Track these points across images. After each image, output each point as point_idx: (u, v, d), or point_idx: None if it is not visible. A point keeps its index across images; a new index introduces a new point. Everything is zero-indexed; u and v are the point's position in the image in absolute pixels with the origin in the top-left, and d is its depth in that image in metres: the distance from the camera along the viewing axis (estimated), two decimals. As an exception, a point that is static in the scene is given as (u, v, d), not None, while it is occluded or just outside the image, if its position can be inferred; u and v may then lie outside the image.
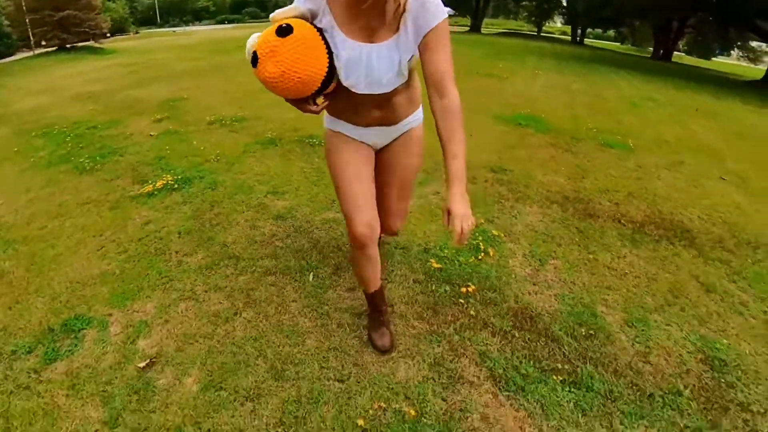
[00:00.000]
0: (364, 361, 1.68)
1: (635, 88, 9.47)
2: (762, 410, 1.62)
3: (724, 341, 1.94)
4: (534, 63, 11.81)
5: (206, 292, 2.08)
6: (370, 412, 1.49)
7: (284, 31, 1.14)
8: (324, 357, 1.70)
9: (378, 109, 1.42)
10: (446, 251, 2.38)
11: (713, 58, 33.46)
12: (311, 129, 4.53)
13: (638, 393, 1.64)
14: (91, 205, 3.13)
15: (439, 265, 2.24)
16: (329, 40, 1.24)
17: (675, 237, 2.86)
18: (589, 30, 31.91)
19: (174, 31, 28.38)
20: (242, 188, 3.17)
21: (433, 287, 2.08)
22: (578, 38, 30.40)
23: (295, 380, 1.61)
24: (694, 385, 1.70)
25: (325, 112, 1.49)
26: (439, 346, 1.77)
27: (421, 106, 1.57)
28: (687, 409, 1.59)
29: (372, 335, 1.75)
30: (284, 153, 3.95)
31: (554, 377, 1.67)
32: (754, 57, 26.83)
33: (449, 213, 1.17)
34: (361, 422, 1.44)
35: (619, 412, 1.55)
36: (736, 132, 6.55)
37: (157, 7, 41.18)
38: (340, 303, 1.98)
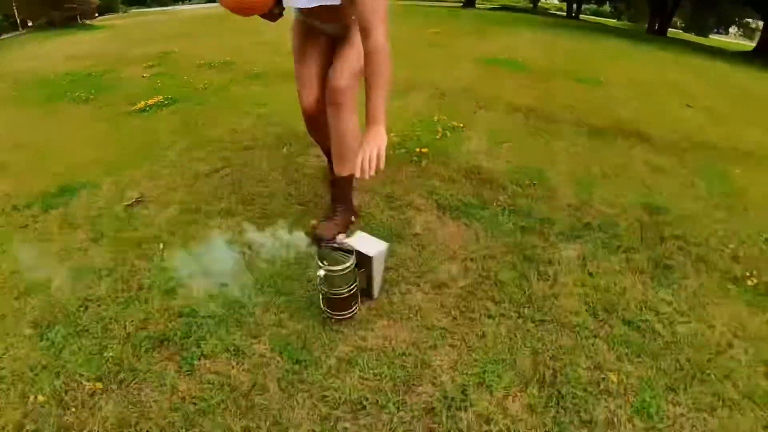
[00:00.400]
0: (324, 191, 1.92)
1: (619, 48, 9.59)
2: (697, 242, 1.84)
3: (664, 197, 2.17)
4: (523, 28, 11.88)
5: (190, 161, 2.32)
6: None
7: None
8: (288, 192, 1.94)
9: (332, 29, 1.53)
10: (406, 133, 2.61)
11: (710, 36, 33.29)
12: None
13: (576, 222, 1.87)
14: (87, 120, 3.34)
15: (398, 139, 2.48)
16: None
17: (632, 137, 3.08)
18: (585, 6, 31.62)
19: (169, 9, 28.14)
20: (227, 102, 3.40)
21: (390, 151, 2.32)
22: (574, 13, 30.21)
23: (261, 206, 1.85)
24: (632, 222, 1.93)
25: None
26: (391, 186, 2.01)
27: None
28: (623, 235, 1.82)
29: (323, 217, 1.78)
30: (268, 83, 4.15)
31: (495, 206, 1.91)
32: (750, 33, 26.77)
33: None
34: (315, 222, 1.68)
35: (554, 233, 1.79)
36: (713, 80, 6.74)
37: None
38: (307, 164, 2.22)
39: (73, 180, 2.23)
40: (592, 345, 1.26)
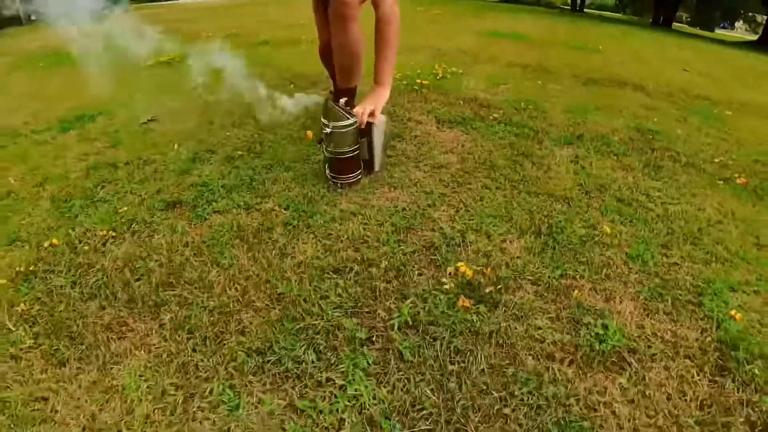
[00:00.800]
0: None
1: (621, 31, 9.63)
2: (687, 153, 1.90)
3: (656, 120, 2.23)
4: (525, 14, 11.93)
5: (203, 95, 2.39)
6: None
7: None
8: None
9: None
10: (408, 73, 2.67)
11: (717, 30, 33.21)
12: (298, 36, 4.81)
13: (569, 134, 1.93)
14: (100, 75, 3.42)
15: (399, 75, 2.54)
16: None
17: (626, 86, 3.14)
18: (590, 1, 31.52)
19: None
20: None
21: (393, 84, 2.38)
22: (578, 7, 30.19)
23: (269, 150, 1.91)
24: (623, 137, 1.99)
25: None
26: (391, 107, 2.07)
27: None
28: (614, 143, 1.89)
29: None
30: (274, 48, 4.23)
31: (492, 119, 1.97)
32: (756, 28, 26.72)
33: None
34: (310, 134, 1.74)
35: (549, 140, 1.85)
36: (712, 57, 6.78)
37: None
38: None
39: (90, 110, 2.31)
40: (586, 212, 1.32)
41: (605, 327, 0.93)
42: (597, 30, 8.55)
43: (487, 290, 0.99)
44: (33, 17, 16.84)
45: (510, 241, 1.16)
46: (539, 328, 0.92)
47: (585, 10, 31.07)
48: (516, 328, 0.92)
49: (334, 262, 1.04)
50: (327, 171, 1.35)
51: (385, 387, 0.79)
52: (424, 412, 0.75)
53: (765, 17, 23.59)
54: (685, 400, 0.81)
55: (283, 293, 0.96)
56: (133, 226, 1.21)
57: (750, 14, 24.92)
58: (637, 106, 2.63)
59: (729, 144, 2.20)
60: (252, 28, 6.01)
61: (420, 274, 1.04)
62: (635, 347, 0.90)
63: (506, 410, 0.76)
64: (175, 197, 1.32)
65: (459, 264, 1.02)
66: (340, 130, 1.24)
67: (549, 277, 1.06)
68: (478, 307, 0.96)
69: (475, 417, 0.75)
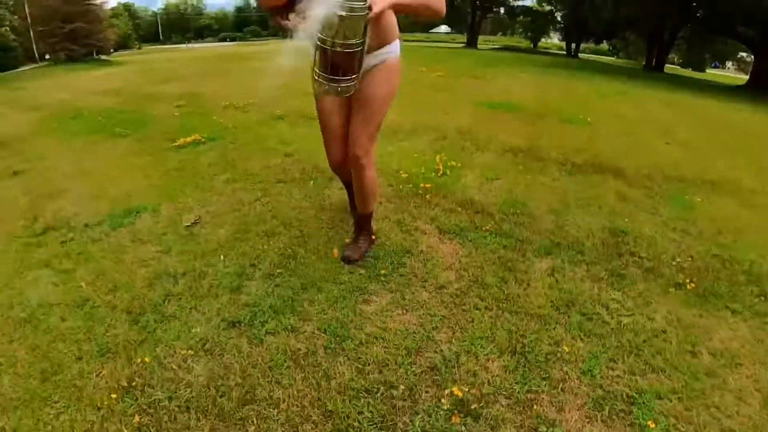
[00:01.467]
0: (347, 217, 2.43)
1: (611, 86, 10.33)
2: (649, 257, 2.32)
3: (628, 222, 2.67)
4: (521, 69, 12.72)
5: (233, 191, 2.85)
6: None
7: None
8: (318, 217, 2.45)
9: None
10: (413, 170, 3.14)
11: (708, 70, 34.67)
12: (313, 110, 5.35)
13: (549, 242, 2.36)
14: (130, 155, 3.90)
15: (406, 175, 3.01)
16: None
17: (607, 172, 3.61)
18: (584, 45, 33.10)
19: (186, 47, 29.64)
20: (257, 140, 3.97)
21: (400, 187, 2.85)
22: (573, 52, 31.60)
23: (297, 228, 2.35)
24: (596, 242, 2.41)
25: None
26: (401, 214, 2.52)
27: (397, 40, 1.83)
28: (587, 252, 2.31)
29: (349, 241, 2.22)
30: (290, 124, 4.74)
31: (484, 230, 2.41)
32: (745, 67, 28.01)
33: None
34: (336, 252, 2.16)
35: (531, 249, 2.28)
36: (696, 117, 7.36)
37: (159, 24, 43.01)
38: (332, 195, 2.75)
39: (134, 204, 2.75)
40: (554, 329, 1.73)
41: (556, 435, 1.32)
42: (589, 89, 9.21)
43: (473, 406, 1.38)
44: (47, 56, 17.44)
45: (492, 360, 1.56)
46: (508, 437, 1.31)
47: (580, 55, 32.48)
48: (492, 438, 1.31)
49: (366, 384, 1.43)
50: (319, 71, 1.48)
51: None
52: None
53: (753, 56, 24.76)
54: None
55: (331, 410, 1.35)
56: (206, 345, 1.61)
57: (739, 55, 26.26)
58: (615, 198, 3.08)
59: (691, 238, 2.61)
60: (267, 97, 6.53)
61: (426, 392, 1.43)
62: (580, 455, 1.29)
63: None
64: (233, 317, 1.73)
65: (453, 388, 1.42)
66: (356, 13, 1.31)
67: (518, 392, 1.45)
68: (465, 420, 1.35)
69: None
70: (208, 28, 47.66)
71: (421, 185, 2.86)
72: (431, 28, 44.41)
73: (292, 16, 1.54)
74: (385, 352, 1.57)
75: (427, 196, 2.75)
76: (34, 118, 6.06)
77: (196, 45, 33.28)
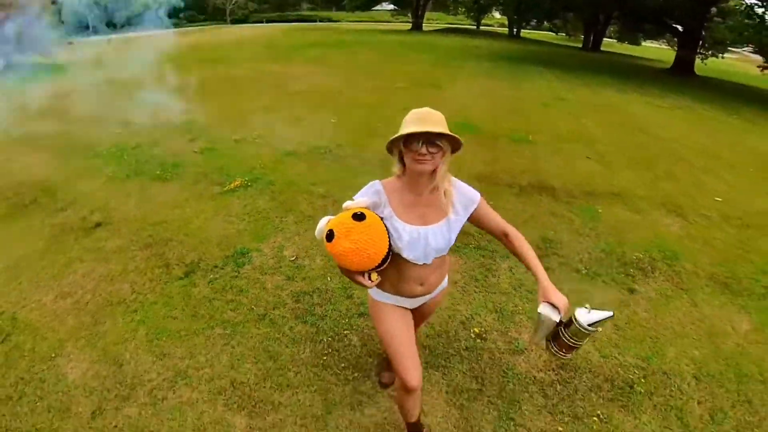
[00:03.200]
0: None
1: (551, 90, 12.62)
2: (563, 255, 4.32)
3: (553, 233, 4.65)
4: (473, 70, 14.79)
5: (305, 231, 4.56)
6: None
7: (359, 217, 1.64)
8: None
9: (421, 284, 1.91)
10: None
11: (643, 43, 38.70)
12: (319, 142, 7.03)
13: (506, 251, 4.29)
14: (192, 200, 5.43)
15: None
16: (389, 226, 1.73)
17: (543, 192, 5.64)
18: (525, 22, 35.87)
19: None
20: (292, 183, 5.65)
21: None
22: (515, 31, 34.30)
23: None
24: (534, 248, 4.36)
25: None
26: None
27: (447, 274, 2.13)
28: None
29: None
30: (308, 161, 6.42)
31: (471, 246, 4.30)
32: (674, 44, 31.96)
33: (548, 301, 1.68)
34: None
35: (498, 256, 4.21)
36: (618, 122, 9.69)
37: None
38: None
39: (237, 247, 4.38)
40: (514, 299, 3.66)
41: None
42: (532, 97, 11.39)
43: (482, 335, 3.29)
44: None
45: (486, 316, 3.48)
46: None
47: (522, 33, 35.15)
48: None
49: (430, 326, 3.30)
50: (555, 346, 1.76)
51: None
52: None
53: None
54: None
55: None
56: (350, 320, 3.41)
57: (667, 35, 29.98)
58: (547, 214, 5.08)
59: (590, 240, 4.65)
60: (280, 131, 7.95)
61: (462, 332, 3.32)
62: None
63: None
64: (358, 311, 3.54)
65: (475, 329, 3.32)
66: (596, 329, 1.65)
67: (499, 328, 3.37)
68: (485, 338, 3.24)
69: None
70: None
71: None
72: (375, 5, 45.38)
73: (374, 275, 1.76)
74: (440, 316, 3.42)
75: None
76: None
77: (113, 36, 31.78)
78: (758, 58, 21.25)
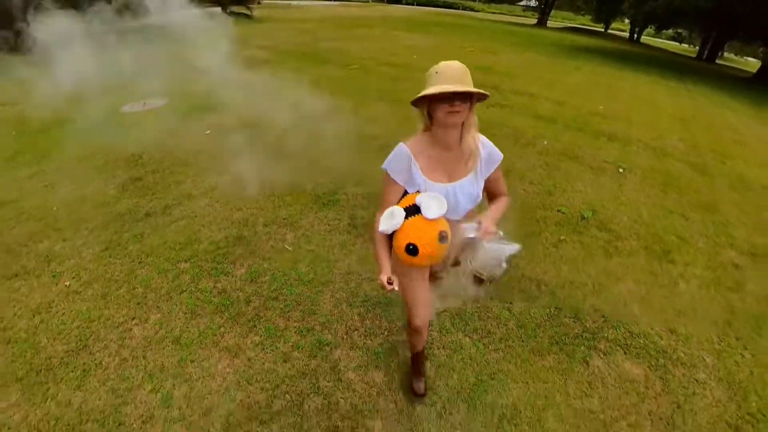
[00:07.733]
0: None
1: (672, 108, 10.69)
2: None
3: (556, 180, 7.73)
4: (612, 81, 13.23)
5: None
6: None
7: (444, 239, 1.63)
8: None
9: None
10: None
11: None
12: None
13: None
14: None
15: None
16: (420, 187, 1.73)
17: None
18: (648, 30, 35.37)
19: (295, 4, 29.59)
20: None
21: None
22: (635, 37, 34.52)
23: None
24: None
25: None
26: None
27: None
28: None
29: (413, 380, 2.43)
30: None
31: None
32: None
33: (479, 222, 1.68)
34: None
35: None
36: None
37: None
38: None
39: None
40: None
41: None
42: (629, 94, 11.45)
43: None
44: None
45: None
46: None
47: (642, 39, 34.75)
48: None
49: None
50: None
51: None
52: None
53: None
54: None
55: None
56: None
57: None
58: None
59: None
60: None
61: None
62: None
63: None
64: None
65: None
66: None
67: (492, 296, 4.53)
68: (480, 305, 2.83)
69: None
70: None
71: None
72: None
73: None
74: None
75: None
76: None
77: (307, 3, 32.07)
78: None
